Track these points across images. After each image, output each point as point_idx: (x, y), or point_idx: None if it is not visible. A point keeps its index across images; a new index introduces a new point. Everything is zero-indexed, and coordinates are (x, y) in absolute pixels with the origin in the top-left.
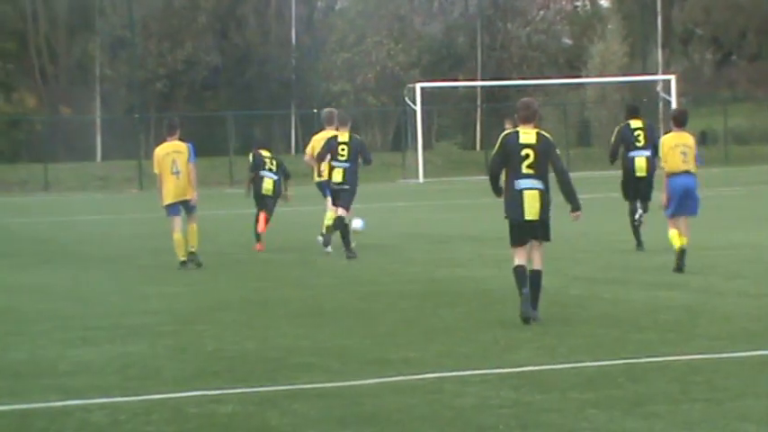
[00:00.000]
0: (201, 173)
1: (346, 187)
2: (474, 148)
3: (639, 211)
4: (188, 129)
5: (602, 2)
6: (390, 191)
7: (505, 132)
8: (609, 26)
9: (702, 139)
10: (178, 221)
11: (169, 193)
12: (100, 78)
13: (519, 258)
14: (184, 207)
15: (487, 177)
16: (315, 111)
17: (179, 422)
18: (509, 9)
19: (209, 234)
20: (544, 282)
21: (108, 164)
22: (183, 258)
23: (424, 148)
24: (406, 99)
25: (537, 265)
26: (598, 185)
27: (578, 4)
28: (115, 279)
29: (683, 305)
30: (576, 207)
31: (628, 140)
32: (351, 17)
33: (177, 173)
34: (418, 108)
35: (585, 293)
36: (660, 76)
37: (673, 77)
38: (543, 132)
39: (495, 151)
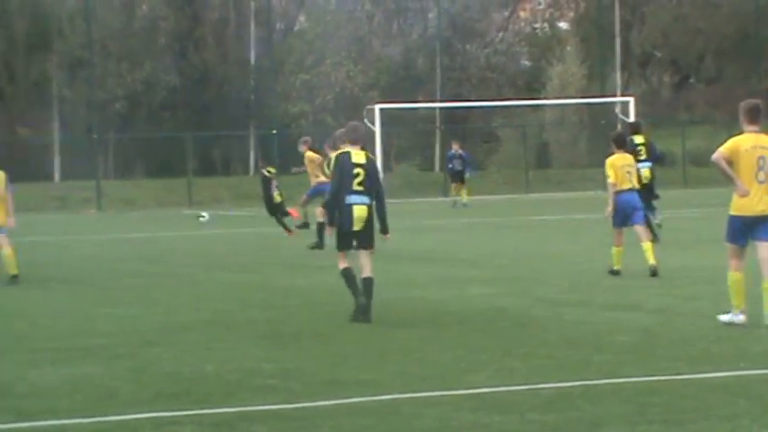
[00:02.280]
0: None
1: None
2: (432, 169)
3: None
4: (146, 149)
5: (560, 24)
6: None
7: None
8: (567, 48)
9: (660, 161)
10: None
11: None
12: (58, 99)
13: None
14: None
15: (443, 199)
16: (274, 132)
17: None
18: (468, 31)
19: (167, 254)
20: (508, 303)
21: (66, 184)
22: None
23: (384, 169)
24: (366, 120)
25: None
26: (558, 207)
27: (537, 26)
28: (72, 300)
29: (643, 327)
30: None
31: (632, 154)
32: (310, 38)
33: None
34: (377, 129)
35: (548, 314)
36: (619, 98)
37: (631, 99)
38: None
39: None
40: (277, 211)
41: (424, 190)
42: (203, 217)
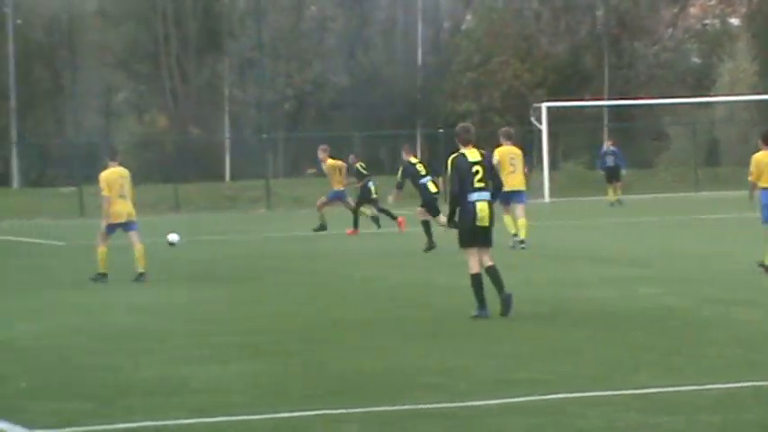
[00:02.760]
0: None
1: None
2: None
3: None
4: (315, 149)
5: (731, 20)
6: None
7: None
8: (739, 44)
9: None
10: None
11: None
12: (229, 99)
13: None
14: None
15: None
16: (440, 130)
17: None
18: (636, 28)
19: (331, 252)
20: (675, 302)
21: (236, 184)
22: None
23: (550, 167)
24: (532, 119)
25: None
26: (727, 205)
27: (707, 22)
28: (242, 298)
29: None
30: None
31: None
32: (477, 37)
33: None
34: (544, 128)
35: (716, 314)
36: None
37: None
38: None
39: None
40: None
41: (590, 188)
42: (172, 242)
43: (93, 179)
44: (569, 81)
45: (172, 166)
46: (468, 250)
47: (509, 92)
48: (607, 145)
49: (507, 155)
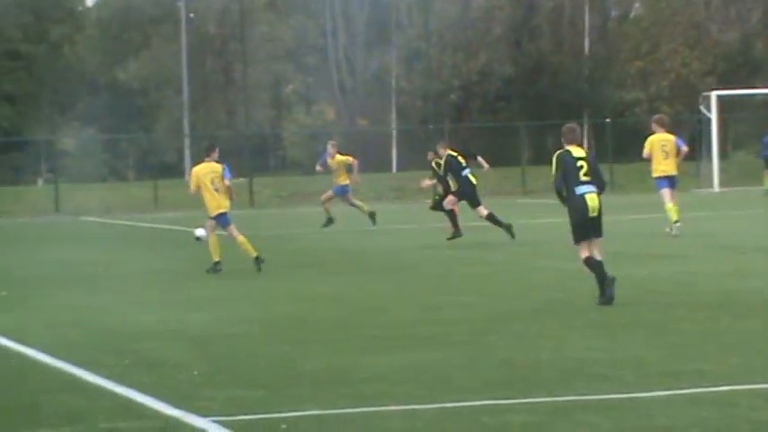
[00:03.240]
0: (494, 182)
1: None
2: None
3: None
4: (481, 139)
5: None
6: (685, 200)
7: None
8: None
9: None
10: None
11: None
12: (396, 90)
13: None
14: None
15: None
16: (607, 120)
17: (474, 429)
18: None
19: (501, 243)
20: None
21: (403, 174)
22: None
23: (720, 157)
24: (702, 107)
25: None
26: None
27: None
28: (406, 288)
29: None
30: None
31: None
32: (645, 25)
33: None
34: (714, 117)
35: None
36: None
37: None
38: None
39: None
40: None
41: (759, 178)
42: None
43: (262, 171)
44: (740, 69)
45: None
46: (582, 245)
47: (677, 80)
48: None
49: (659, 143)
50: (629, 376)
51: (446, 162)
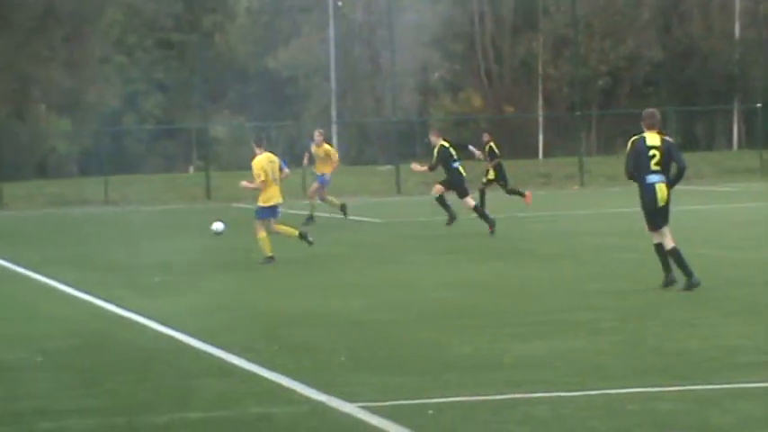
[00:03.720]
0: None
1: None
2: None
3: None
4: (629, 125)
5: None
6: None
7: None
8: None
9: None
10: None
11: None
12: (543, 77)
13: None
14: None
15: None
16: (758, 105)
17: (619, 418)
18: None
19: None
20: None
21: (550, 161)
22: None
23: None
24: None
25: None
26: None
27: None
28: (555, 275)
29: None
30: None
31: None
32: None
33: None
34: None
35: None
36: None
37: None
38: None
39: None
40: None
41: None
42: (217, 231)
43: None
44: None
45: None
46: (653, 233)
47: None
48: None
49: None
50: None
51: (438, 152)
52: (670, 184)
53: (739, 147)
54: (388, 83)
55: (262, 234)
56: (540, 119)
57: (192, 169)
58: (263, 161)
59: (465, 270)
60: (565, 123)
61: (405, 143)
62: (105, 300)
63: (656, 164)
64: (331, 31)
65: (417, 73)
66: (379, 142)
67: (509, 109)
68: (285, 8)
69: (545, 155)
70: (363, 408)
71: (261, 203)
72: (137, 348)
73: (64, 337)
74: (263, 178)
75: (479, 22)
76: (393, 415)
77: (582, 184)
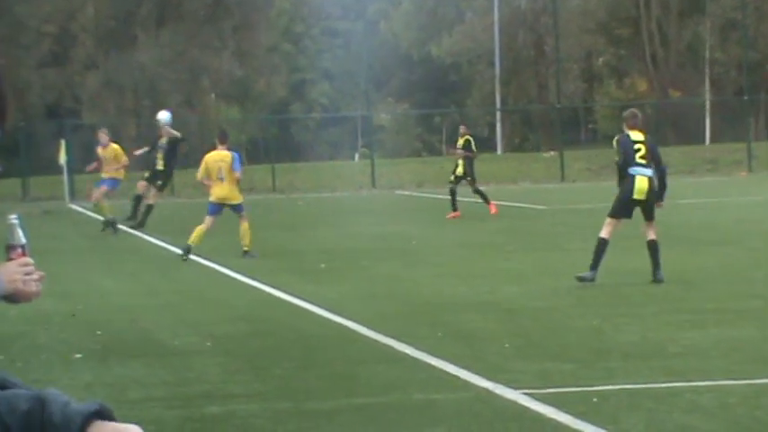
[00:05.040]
0: None
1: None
2: None
3: None
4: None
5: None
6: None
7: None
8: None
9: None
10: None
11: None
12: (710, 61)
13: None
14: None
15: None
16: None
17: None
18: None
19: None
20: None
21: (717, 146)
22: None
23: None
24: None
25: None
26: None
27: None
28: (722, 262)
29: None
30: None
31: None
32: None
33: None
34: None
35: None
36: None
37: None
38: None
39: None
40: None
41: None
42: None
43: (573, 144)
44: None
45: (652, 130)
46: (611, 220)
47: None
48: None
49: None
50: None
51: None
52: (658, 185)
53: None
54: (552, 69)
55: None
56: (708, 103)
57: (357, 157)
58: (209, 159)
59: (624, 257)
60: (732, 108)
61: (569, 129)
62: (272, 286)
63: (642, 157)
64: (495, 17)
65: (582, 59)
66: (543, 129)
67: (675, 93)
68: None
69: (712, 140)
70: (527, 394)
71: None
72: (303, 334)
73: (232, 323)
74: (199, 177)
75: (645, 6)
76: (556, 402)
77: (750, 171)
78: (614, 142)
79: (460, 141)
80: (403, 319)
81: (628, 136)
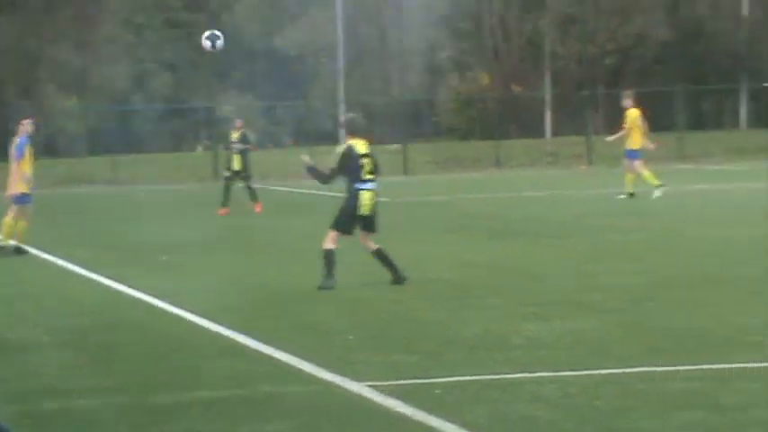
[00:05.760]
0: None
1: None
2: None
3: None
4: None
5: None
6: None
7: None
8: None
9: None
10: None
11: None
12: (550, 55)
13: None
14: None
15: None
16: (766, 85)
17: (628, 398)
18: None
19: (650, 211)
20: None
21: (557, 140)
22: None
23: None
24: None
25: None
26: None
27: None
28: (562, 255)
29: None
30: None
31: None
32: None
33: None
34: None
35: None
36: None
37: None
38: None
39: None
40: None
41: None
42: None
43: (416, 137)
44: None
45: (494, 124)
46: (337, 235)
47: None
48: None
49: None
50: None
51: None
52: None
53: (747, 126)
54: (395, 62)
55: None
56: (548, 97)
57: (200, 148)
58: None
59: (471, 250)
60: (572, 102)
61: (412, 123)
62: (114, 279)
63: (369, 172)
64: (338, 10)
65: (425, 52)
66: (387, 122)
67: (517, 88)
68: None
69: (553, 134)
70: (371, 387)
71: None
72: (146, 328)
73: (72, 317)
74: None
75: (487, 0)
76: (401, 394)
77: (590, 164)
78: (340, 152)
79: (235, 135)
80: (246, 311)
81: (352, 148)
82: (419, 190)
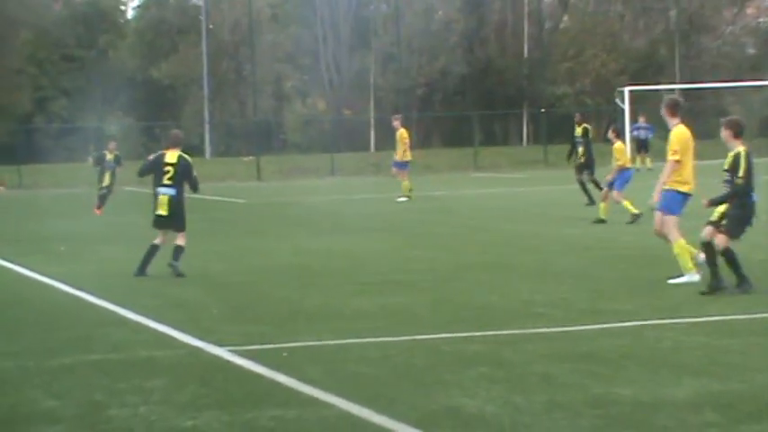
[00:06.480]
0: (452, 160)
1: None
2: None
3: None
4: (442, 125)
5: None
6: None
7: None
8: None
9: None
10: None
11: None
12: (374, 86)
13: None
14: None
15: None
16: (542, 110)
17: (436, 357)
18: (702, 26)
19: (459, 208)
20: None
21: (380, 153)
22: None
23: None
24: (617, 100)
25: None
26: None
27: (762, 20)
28: (383, 245)
29: None
30: None
31: None
32: (572, 34)
33: None
34: (626, 107)
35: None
36: None
37: None
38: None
39: None
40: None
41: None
42: None
43: (267, 151)
44: (647, 69)
45: (329, 140)
46: (161, 232)
47: (597, 78)
48: (641, 121)
49: None
50: (559, 314)
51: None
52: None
53: (528, 143)
54: (249, 90)
55: None
56: (372, 120)
57: (90, 160)
58: None
59: (312, 241)
60: (391, 124)
61: (263, 139)
62: (21, 266)
63: (170, 178)
64: (204, 48)
65: (273, 82)
66: (243, 138)
67: (347, 112)
68: (165, 29)
69: (376, 148)
70: (231, 351)
71: None
72: (47, 305)
73: None
74: None
75: (323, 41)
76: (255, 357)
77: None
78: (149, 159)
79: (110, 156)
80: (130, 291)
81: (162, 155)
82: (269, 193)
